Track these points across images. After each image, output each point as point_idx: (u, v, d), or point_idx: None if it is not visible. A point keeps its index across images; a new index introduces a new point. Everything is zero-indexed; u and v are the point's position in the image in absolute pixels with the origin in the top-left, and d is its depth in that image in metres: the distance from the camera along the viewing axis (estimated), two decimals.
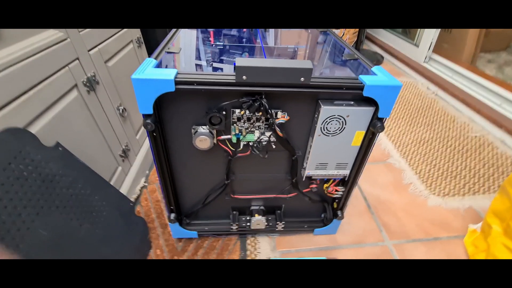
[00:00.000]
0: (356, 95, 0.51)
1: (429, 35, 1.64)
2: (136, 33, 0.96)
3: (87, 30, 0.67)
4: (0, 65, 0.44)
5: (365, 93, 0.48)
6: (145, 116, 0.48)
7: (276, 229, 0.75)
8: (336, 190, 0.68)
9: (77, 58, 0.63)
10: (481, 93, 1.38)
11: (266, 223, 0.73)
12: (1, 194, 0.40)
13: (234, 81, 0.46)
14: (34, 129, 0.50)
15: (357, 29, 1.94)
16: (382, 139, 1.19)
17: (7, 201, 0.41)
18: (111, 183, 0.75)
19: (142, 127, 0.99)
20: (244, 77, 0.45)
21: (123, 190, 0.81)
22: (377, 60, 1.93)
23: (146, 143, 1.01)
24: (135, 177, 0.89)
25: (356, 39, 1.95)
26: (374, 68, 0.54)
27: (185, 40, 0.79)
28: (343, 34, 1.99)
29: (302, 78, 0.46)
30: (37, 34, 0.54)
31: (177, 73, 0.46)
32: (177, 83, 0.45)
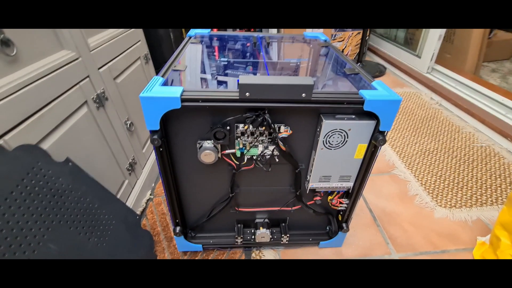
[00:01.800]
0: (357, 109, 0.52)
1: (431, 46, 1.65)
2: (143, 50, 1.00)
3: (98, 49, 0.70)
4: (17, 85, 0.47)
5: (366, 108, 0.50)
6: (152, 132, 0.50)
7: (281, 242, 0.75)
8: (341, 203, 0.68)
9: (88, 76, 0.66)
10: (485, 103, 1.37)
11: (271, 236, 0.73)
12: (14, 209, 0.42)
13: (238, 97, 0.48)
14: (45, 145, 0.52)
15: (359, 41, 1.97)
16: (386, 150, 1.19)
17: (20, 216, 0.43)
18: (118, 196, 0.76)
19: (148, 141, 1.01)
20: (247, 93, 0.47)
21: (130, 203, 0.82)
22: (380, 71, 1.94)
23: (152, 157, 1.03)
24: (141, 190, 0.90)
25: (358, 50, 1.98)
26: (375, 83, 0.55)
27: (191, 55, 0.82)
28: (345, 46, 2.02)
29: (303, 94, 0.47)
30: (51, 54, 0.57)
31: (183, 91, 0.47)
32: (183, 100, 0.47)
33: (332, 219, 0.74)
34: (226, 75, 0.94)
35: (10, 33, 0.46)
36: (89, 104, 0.66)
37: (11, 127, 0.46)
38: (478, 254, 0.76)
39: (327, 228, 0.78)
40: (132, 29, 0.91)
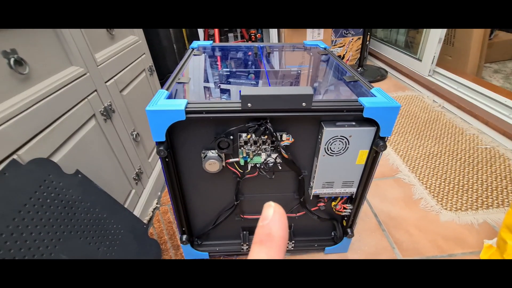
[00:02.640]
0: (357, 116, 0.53)
1: (431, 49, 1.66)
2: (148, 62, 1.03)
3: (105, 63, 0.73)
4: (29, 102, 0.49)
5: (365, 115, 0.51)
6: (159, 144, 0.51)
7: (287, 249, 0.76)
8: (344, 208, 0.69)
9: (96, 90, 0.68)
10: (488, 105, 1.37)
11: None
12: (27, 221, 0.44)
13: (240, 108, 0.49)
14: (56, 158, 0.54)
15: (360, 46, 1.99)
16: (390, 154, 1.19)
17: (33, 227, 0.44)
18: (125, 205, 0.78)
19: (154, 151, 1.03)
20: (249, 104, 0.48)
21: (137, 212, 0.84)
22: (381, 75, 1.95)
23: (158, 166, 1.04)
24: (148, 199, 0.92)
25: (359, 55, 1.99)
26: (374, 90, 0.56)
27: (194, 66, 0.84)
28: (346, 52, 2.04)
29: (303, 103, 0.49)
30: (61, 71, 0.59)
31: (187, 103, 0.49)
32: (187, 112, 0.48)
33: (337, 225, 0.74)
34: (228, 83, 0.96)
35: (22, 52, 0.49)
36: (97, 117, 0.68)
37: (24, 142, 0.48)
38: (485, 257, 0.76)
39: (332, 233, 0.78)
40: (137, 43, 0.94)
